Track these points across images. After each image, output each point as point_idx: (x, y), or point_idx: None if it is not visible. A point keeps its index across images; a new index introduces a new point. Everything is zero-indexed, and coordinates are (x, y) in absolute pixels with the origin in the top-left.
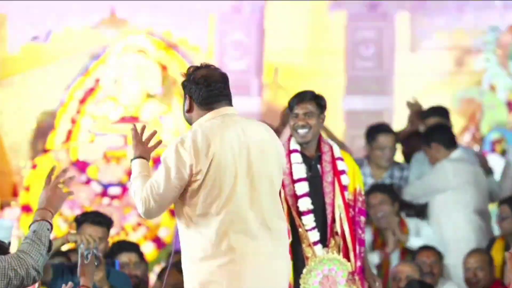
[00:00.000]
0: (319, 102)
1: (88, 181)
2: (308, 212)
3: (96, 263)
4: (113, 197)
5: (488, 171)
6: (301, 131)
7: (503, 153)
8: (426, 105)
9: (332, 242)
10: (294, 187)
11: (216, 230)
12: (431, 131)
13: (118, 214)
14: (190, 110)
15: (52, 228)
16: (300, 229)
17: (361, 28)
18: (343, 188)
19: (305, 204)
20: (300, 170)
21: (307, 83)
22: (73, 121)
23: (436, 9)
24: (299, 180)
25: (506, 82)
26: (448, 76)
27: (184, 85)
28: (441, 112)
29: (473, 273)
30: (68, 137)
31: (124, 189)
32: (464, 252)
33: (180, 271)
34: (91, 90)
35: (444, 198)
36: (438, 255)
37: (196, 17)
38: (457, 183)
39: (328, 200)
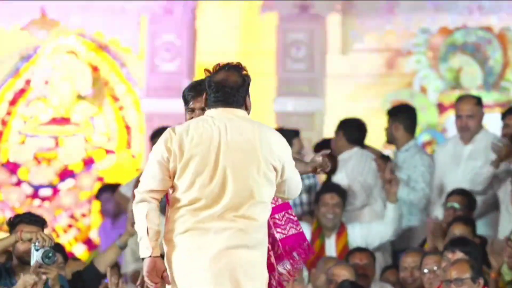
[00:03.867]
0: None
1: (18, 183)
2: None
3: (53, 260)
4: (43, 199)
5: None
6: None
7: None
8: (357, 107)
9: None
10: None
11: None
12: (343, 120)
13: (49, 215)
14: (205, 105)
15: None
16: None
17: (292, 30)
18: None
19: None
20: None
21: None
22: (4, 123)
23: (367, 11)
24: None
25: (437, 84)
26: (379, 78)
27: (205, 81)
28: (405, 111)
29: (409, 273)
30: None
31: (55, 190)
32: None
33: None
34: (21, 92)
35: None
36: (372, 257)
37: (127, 18)
38: None
39: None
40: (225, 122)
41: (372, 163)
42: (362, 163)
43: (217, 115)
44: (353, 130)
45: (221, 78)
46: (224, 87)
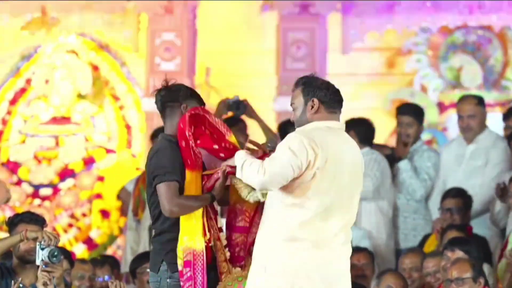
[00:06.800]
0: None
1: (19, 182)
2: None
3: (59, 259)
4: (44, 198)
5: None
6: None
7: None
8: (358, 107)
9: (249, 260)
10: None
11: None
12: (354, 120)
13: (49, 215)
14: (318, 111)
15: None
16: (218, 243)
17: (293, 29)
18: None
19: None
20: None
21: (239, 83)
22: (4, 122)
23: (368, 10)
24: None
25: (437, 83)
26: (380, 77)
27: (305, 91)
28: (413, 110)
29: (408, 274)
30: None
31: (55, 190)
32: None
33: None
34: (22, 91)
35: None
36: (370, 256)
37: (127, 18)
38: None
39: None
40: (341, 140)
41: (383, 162)
42: (372, 162)
43: (337, 129)
44: (365, 129)
45: (324, 80)
46: (335, 91)
